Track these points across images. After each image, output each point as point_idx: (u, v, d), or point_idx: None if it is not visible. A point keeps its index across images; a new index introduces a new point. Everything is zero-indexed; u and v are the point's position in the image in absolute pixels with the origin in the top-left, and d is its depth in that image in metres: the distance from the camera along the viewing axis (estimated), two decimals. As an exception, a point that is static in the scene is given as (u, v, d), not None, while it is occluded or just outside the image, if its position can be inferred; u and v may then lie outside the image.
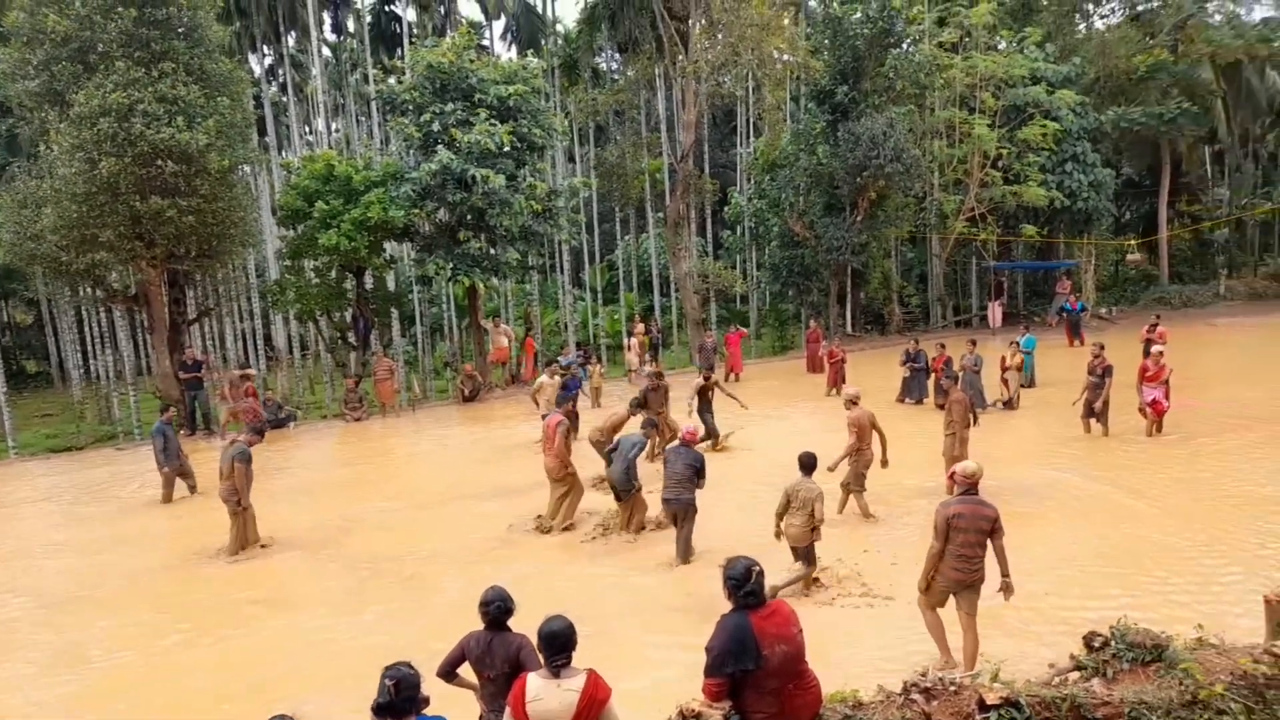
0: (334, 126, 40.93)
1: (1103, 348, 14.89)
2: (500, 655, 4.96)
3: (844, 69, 29.20)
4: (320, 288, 23.41)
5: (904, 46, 30.74)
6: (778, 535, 8.38)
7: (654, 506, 10.58)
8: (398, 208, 21.49)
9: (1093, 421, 14.50)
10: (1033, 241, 33.09)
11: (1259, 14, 38.28)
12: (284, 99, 34.57)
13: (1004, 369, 17.42)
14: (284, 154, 36.63)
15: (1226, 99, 36.53)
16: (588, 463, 12.64)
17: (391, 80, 23.36)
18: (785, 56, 28.48)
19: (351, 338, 24.67)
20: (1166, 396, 13.95)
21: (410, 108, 22.42)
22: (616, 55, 38.61)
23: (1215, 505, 10.43)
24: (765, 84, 28.46)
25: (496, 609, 5.05)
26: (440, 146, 21.29)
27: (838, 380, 20.91)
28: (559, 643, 4.30)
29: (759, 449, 15.00)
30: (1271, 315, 32.44)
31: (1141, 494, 11.11)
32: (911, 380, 18.66)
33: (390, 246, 26.04)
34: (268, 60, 36.97)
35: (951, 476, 7.01)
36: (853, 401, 10.92)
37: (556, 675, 4.27)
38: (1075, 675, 5.40)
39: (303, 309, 23.47)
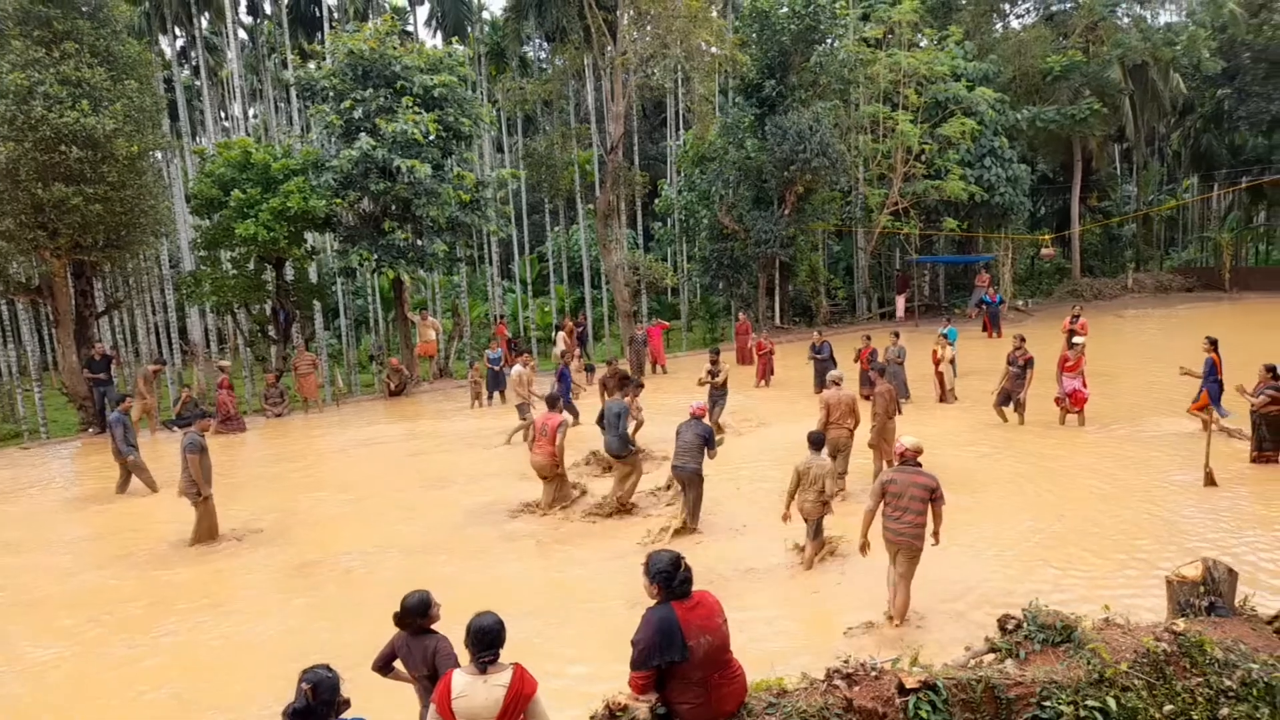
0: (251, 112, 39.57)
1: (1024, 339, 15.33)
2: (419, 657, 4.96)
3: (771, 63, 29.49)
4: (238, 279, 22.61)
5: (829, 42, 31.17)
6: (785, 518, 8.80)
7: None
8: (319, 197, 20.89)
9: (1008, 410, 14.94)
10: (953, 235, 33.96)
11: (1164, 18, 39.95)
12: (197, 83, 33.25)
13: (936, 363, 17.59)
14: (198, 140, 35.28)
15: (1134, 99, 38.10)
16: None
17: (311, 66, 22.66)
18: (713, 49, 28.57)
19: (271, 331, 23.91)
20: (1085, 385, 14.36)
21: (331, 94, 21.81)
22: (545, 45, 38.21)
23: (1132, 490, 10.84)
24: (694, 76, 28.51)
25: (408, 613, 5.03)
26: (363, 134, 20.75)
27: (766, 372, 21.17)
28: (486, 639, 4.27)
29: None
30: (1175, 306, 34.08)
31: (1064, 478, 11.50)
32: (819, 371, 18.69)
33: (312, 237, 25.32)
34: (179, 42, 35.48)
35: (901, 453, 7.55)
36: (834, 383, 11.53)
37: (483, 671, 4.24)
38: (990, 657, 5.53)
39: (219, 301, 22.65)
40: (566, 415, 11.62)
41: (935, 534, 7.52)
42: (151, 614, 8.78)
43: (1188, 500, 10.34)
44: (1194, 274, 41.84)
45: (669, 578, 4.52)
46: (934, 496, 7.29)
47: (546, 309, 34.90)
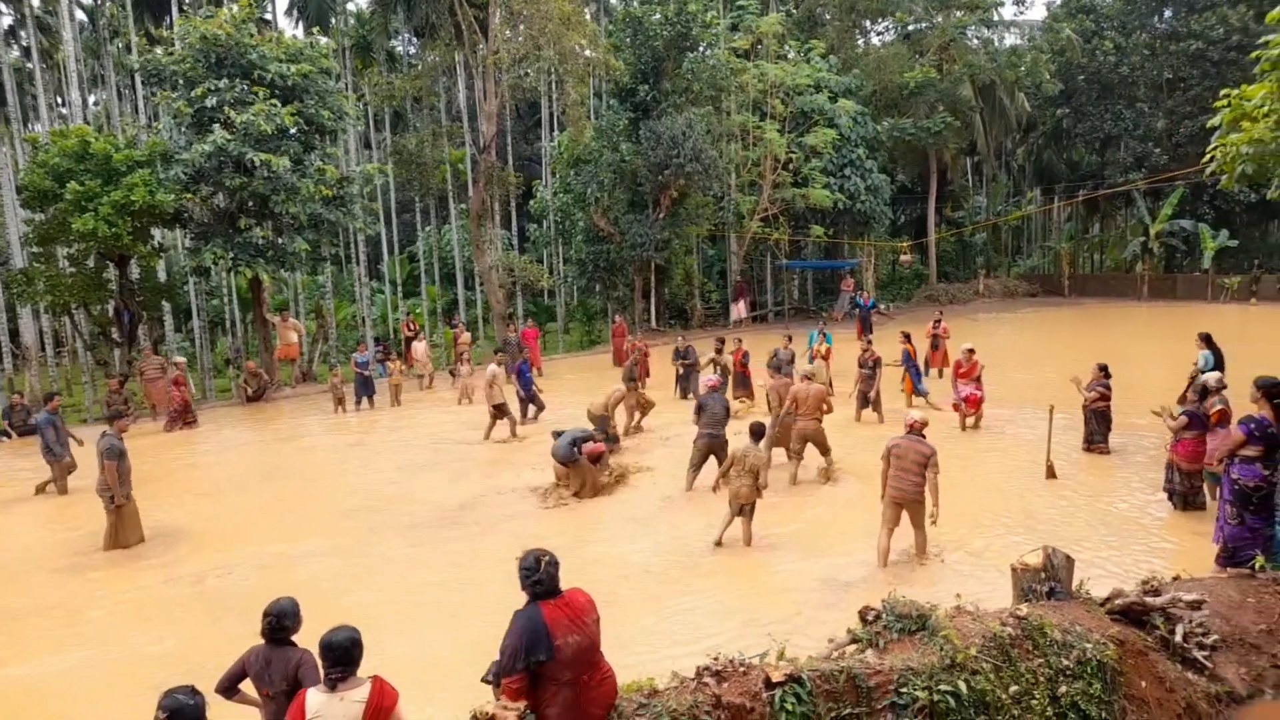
0: (92, 100, 36.84)
1: (870, 342, 16.04)
2: (279, 671, 4.68)
3: (645, 68, 29.75)
4: (76, 278, 20.93)
5: (701, 50, 31.71)
6: (716, 488, 9.71)
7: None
8: (166, 191, 19.59)
9: (867, 411, 15.47)
10: (820, 241, 35.15)
11: (1009, 41, 42.72)
12: (28, 65, 30.69)
13: (814, 358, 18.04)
14: (30, 128, 32.54)
15: (983, 115, 40.61)
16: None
17: (159, 51, 21.23)
18: (587, 52, 28.56)
19: (115, 333, 22.25)
20: (980, 389, 14.36)
21: (180, 81, 20.49)
22: (414, 40, 37.26)
23: (984, 479, 11.40)
24: (567, 79, 28.43)
25: (271, 623, 4.75)
26: (216, 126, 19.59)
27: (642, 374, 21.22)
28: (336, 654, 4.14)
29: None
30: (1021, 310, 36.45)
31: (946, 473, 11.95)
32: (684, 377, 18.86)
33: (160, 233, 23.75)
34: (6, 20, 32.74)
35: (910, 425, 8.69)
36: (806, 377, 12.48)
37: (333, 688, 4.10)
38: (852, 648, 5.66)
39: (55, 301, 20.89)
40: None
41: (933, 515, 8.46)
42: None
43: (1032, 490, 10.95)
44: (1037, 280, 44.90)
45: (527, 575, 4.46)
46: (929, 464, 8.31)
47: (418, 310, 33.98)
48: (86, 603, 8.85)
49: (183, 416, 18.67)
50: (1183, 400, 11.09)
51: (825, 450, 11.83)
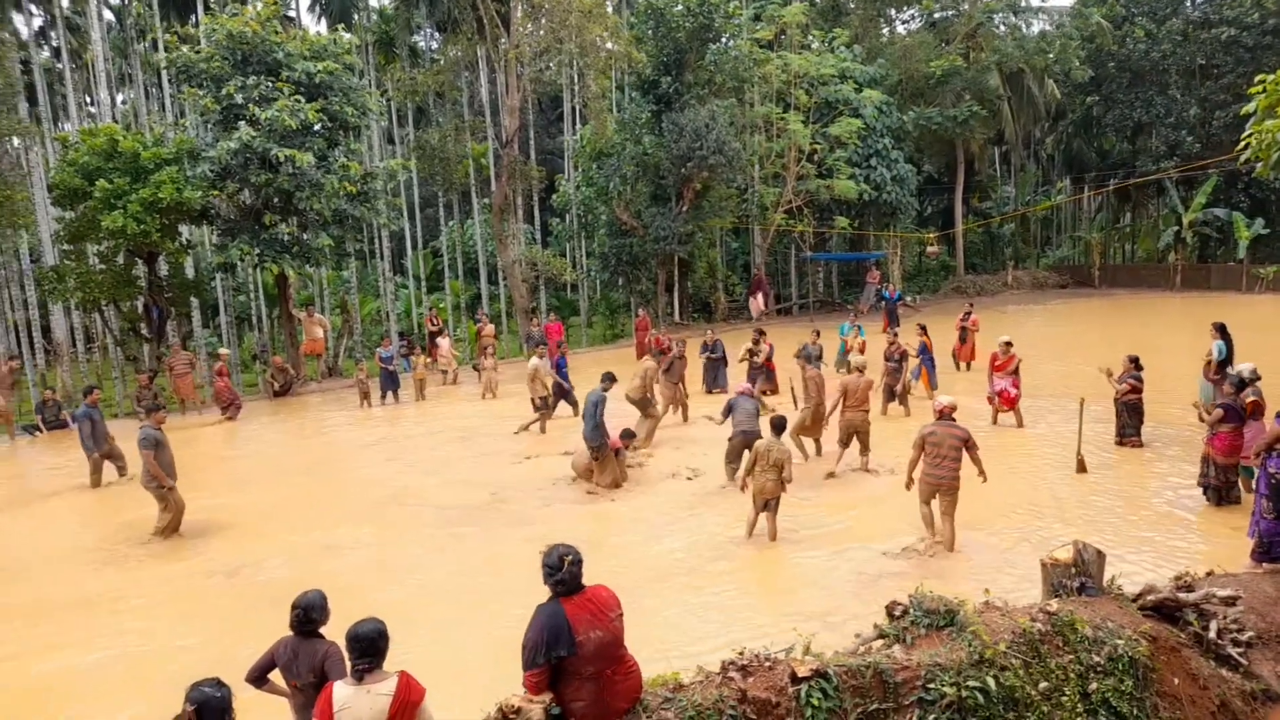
0: (120, 98, 37.29)
1: (897, 335, 15.85)
2: (306, 663, 4.74)
3: (667, 60, 29.62)
4: (106, 274, 21.19)
5: (723, 41, 31.52)
6: (743, 487, 9.38)
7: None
8: (194, 188, 19.76)
9: (892, 404, 15.32)
10: (845, 233, 34.87)
11: (1037, 28, 42.08)
12: (58, 66, 31.14)
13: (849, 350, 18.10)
14: (60, 127, 33.02)
15: (1011, 104, 40.01)
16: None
17: (186, 48, 21.43)
18: (609, 45, 28.47)
19: (144, 329, 22.53)
20: (1016, 386, 14.13)
21: (207, 79, 20.66)
22: (436, 35, 37.35)
23: (1018, 473, 11.25)
24: (588, 72, 28.37)
25: (299, 616, 4.81)
26: (242, 123, 19.74)
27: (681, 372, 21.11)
28: (362, 646, 4.17)
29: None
30: (1051, 302, 35.99)
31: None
32: (710, 369, 18.81)
33: (188, 230, 23.97)
34: (37, 21, 33.16)
35: (940, 410, 8.79)
36: (858, 370, 12.39)
37: (361, 680, 4.12)
38: (879, 643, 5.60)
39: (85, 298, 21.17)
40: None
41: (981, 474, 8.71)
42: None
43: (1063, 484, 10.80)
44: (1067, 271, 44.29)
45: (550, 573, 4.45)
46: (968, 445, 8.53)
47: (441, 305, 34.12)
48: (120, 596, 8.95)
49: (229, 408, 19.04)
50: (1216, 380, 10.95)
51: (867, 443, 11.93)
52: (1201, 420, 10.24)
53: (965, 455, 8.58)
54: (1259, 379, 9.87)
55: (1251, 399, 9.60)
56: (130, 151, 19.72)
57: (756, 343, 17.43)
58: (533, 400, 15.82)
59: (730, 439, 11.47)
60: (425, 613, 7.97)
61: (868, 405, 11.94)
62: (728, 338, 20.96)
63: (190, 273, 24.63)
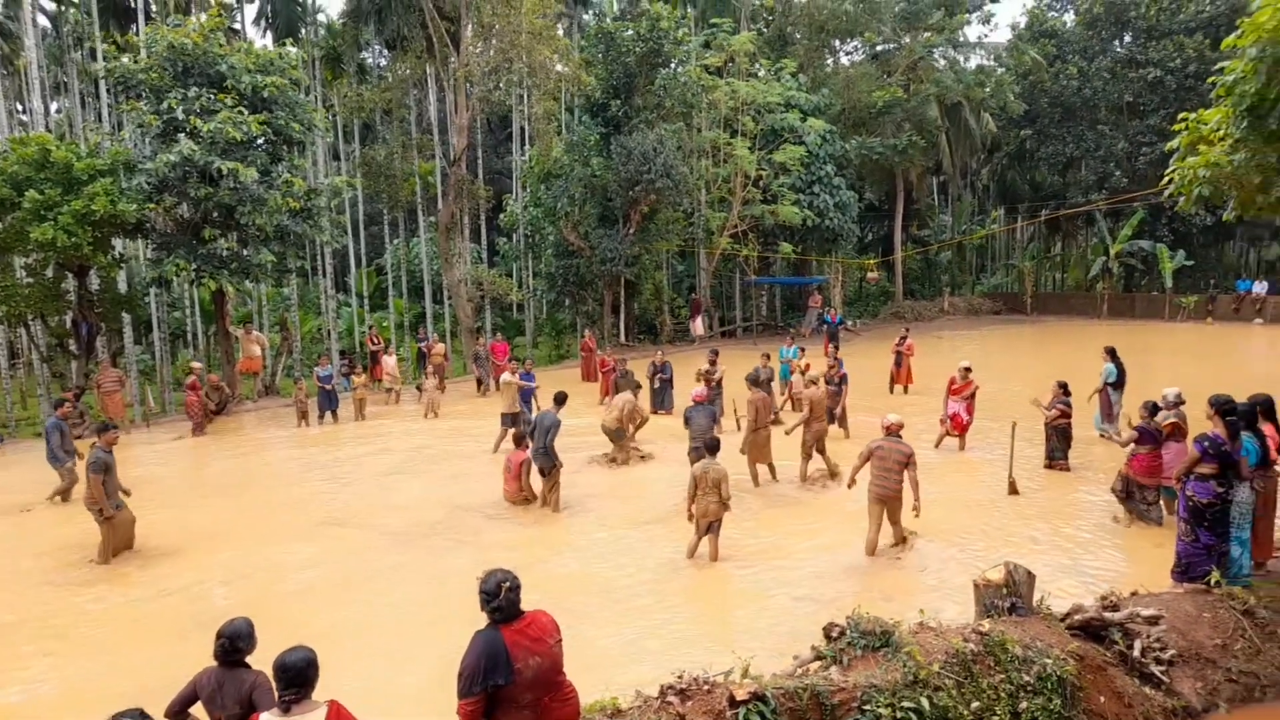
0: (54, 107, 36.23)
1: (837, 358, 16.33)
2: (231, 695, 4.57)
3: (616, 84, 29.87)
4: (33, 288, 20.47)
5: (672, 66, 31.94)
6: (690, 516, 9.44)
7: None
8: (129, 201, 19.25)
9: (832, 427, 15.54)
10: (788, 258, 35.42)
11: (974, 62, 43.48)
12: (-11, 71, 30.18)
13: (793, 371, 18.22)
14: (-11, 134, 31.84)
15: (949, 135, 41.25)
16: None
17: (126, 58, 20.91)
18: (559, 66, 28.62)
19: (72, 345, 21.79)
20: (969, 411, 14.29)
21: (148, 91, 20.20)
22: (385, 52, 37.10)
23: (971, 497, 11.48)
24: (536, 92, 28.47)
25: (224, 645, 4.66)
26: (183, 136, 19.33)
27: (610, 389, 21.15)
28: (290, 675, 4.08)
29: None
30: (984, 328, 37.00)
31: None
32: (659, 391, 18.98)
33: (121, 244, 23.29)
34: (-32, 26, 32.06)
35: (887, 427, 9.30)
36: (811, 382, 12.85)
37: (288, 711, 4.04)
38: (816, 665, 5.67)
39: (10, 312, 20.40)
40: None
41: (915, 507, 9.11)
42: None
43: (995, 505, 11.07)
44: (1001, 298, 45.61)
45: (487, 600, 4.42)
46: (909, 463, 8.97)
47: (385, 324, 33.69)
48: (62, 619, 8.62)
49: (202, 424, 18.94)
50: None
51: (824, 450, 12.54)
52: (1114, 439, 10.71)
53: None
54: (1183, 403, 10.29)
55: (1171, 421, 10.01)
56: (63, 162, 19.13)
57: (713, 364, 17.53)
58: (509, 415, 15.57)
59: (688, 453, 11.82)
60: (361, 638, 7.81)
61: (825, 416, 12.51)
62: (674, 360, 21.07)
63: (123, 287, 23.91)
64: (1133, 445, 9.99)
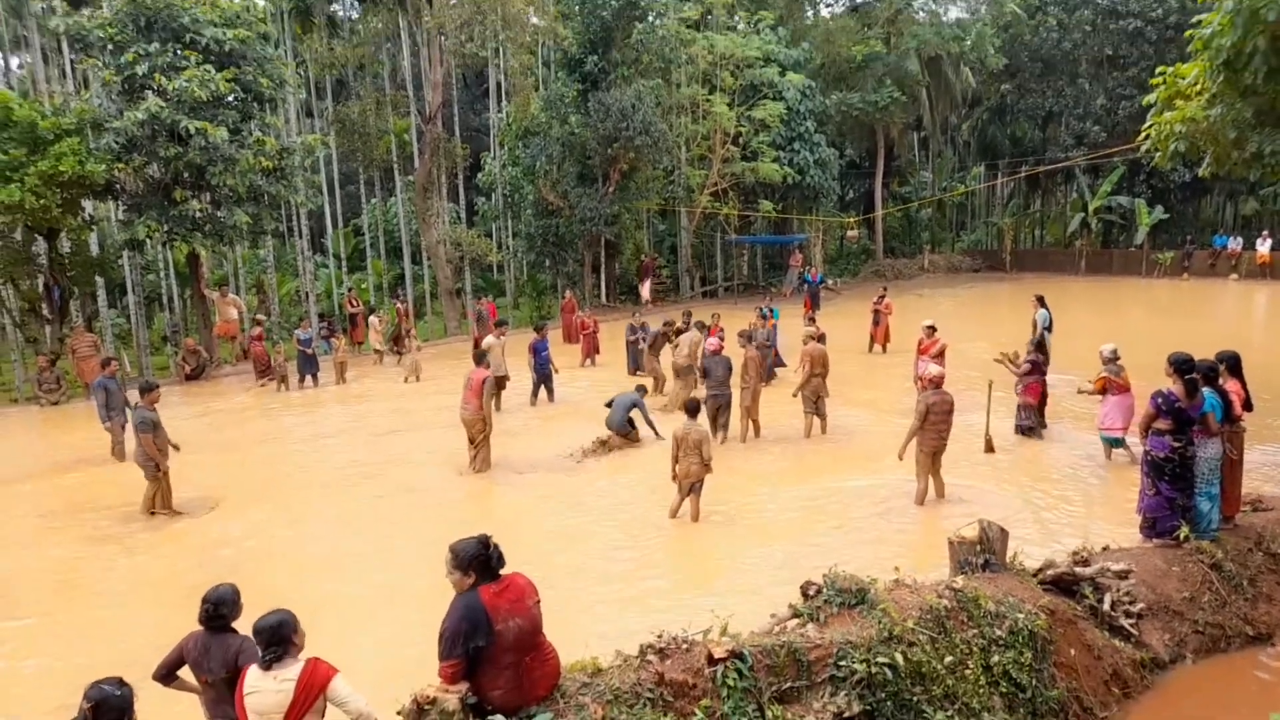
0: (15, 63, 35.22)
1: (813, 321, 16.43)
2: (218, 659, 4.70)
3: (594, 38, 29.38)
4: (2, 252, 20.06)
5: (650, 19, 31.42)
6: (674, 477, 9.43)
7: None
8: (97, 161, 18.82)
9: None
10: (769, 216, 35.29)
11: (954, 14, 43.09)
12: (-55, 27, 29.14)
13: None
14: (-51, 93, 30.90)
15: (930, 90, 40.99)
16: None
17: (85, 13, 20.28)
18: (534, 19, 28.06)
19: (44, 309, 21.45)
20: (940, 366, 14.61)
21: (108, 47, 19.64)
22: (356, 3, 36.24)
23: (947, 455, 11.53)
24: (509, 47, 27.94)
25: (209, 610, 4.77)
26: (149, 94, 18.86)
27: (591, 350, 21.15)
28: (266, 636, 4.28)
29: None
30: (964, 286, 37.16)
31: (885, 447, 12.20)
32: (637, 353, 18.86)
33: (91, 205, 22.82)
34: (-79, -22, 30.90)
35: (932, 380, 9.50)
36: (811, 338, 13.11)
37: (268, 668, 4.25)
38: (794, 622, 5.76)
39: (-22, 277, 20.07)
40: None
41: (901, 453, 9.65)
42: None
43: (971, 463, 11.21)
44: (980, 255, 45.77)
45: (484, 562, 4.49)
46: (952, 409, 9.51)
47: (364, 285, 33.36)
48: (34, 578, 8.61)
49: (266, 372, 19.81)
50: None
51: (824, 408, 12.93)
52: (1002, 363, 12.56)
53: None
54: (1118, 358, 10.97)
55: (1102, 375, 10.85)
56: (27, 121, 18.62)
57: (687, 325, 17.27)
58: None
59: (704, 401, 11.71)
60: (347, 603, 7.87)
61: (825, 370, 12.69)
62: (653, 320, 21.01)
63: (95, 250, 23.50)
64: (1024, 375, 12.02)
